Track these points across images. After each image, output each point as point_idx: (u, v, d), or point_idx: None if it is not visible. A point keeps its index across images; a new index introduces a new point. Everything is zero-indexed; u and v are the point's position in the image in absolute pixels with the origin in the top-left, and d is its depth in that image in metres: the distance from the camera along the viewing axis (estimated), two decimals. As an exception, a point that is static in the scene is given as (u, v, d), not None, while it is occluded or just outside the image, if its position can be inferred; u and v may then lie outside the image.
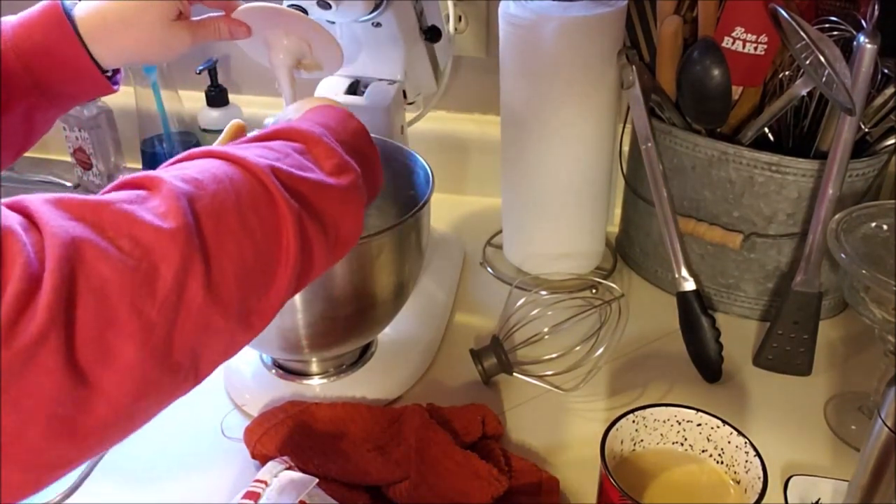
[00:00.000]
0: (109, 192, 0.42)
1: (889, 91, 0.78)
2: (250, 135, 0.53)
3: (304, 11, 0.74)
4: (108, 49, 0.63)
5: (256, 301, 0.45)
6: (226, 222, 0.43)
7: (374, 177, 0.58)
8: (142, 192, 0.41)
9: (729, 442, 0.59)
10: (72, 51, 0.61)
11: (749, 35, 0.78)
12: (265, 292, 0.45)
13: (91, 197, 0.39)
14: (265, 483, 0.56)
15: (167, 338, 0.38)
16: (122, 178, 0.44)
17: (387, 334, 0.81)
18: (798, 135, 0.85)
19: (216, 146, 0.48)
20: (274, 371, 0.79)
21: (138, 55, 0.66)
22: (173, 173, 0.43)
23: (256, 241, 0.44)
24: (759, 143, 0.83)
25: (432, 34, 0.88)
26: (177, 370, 0.40)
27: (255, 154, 0.47)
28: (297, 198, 0.47)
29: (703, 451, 0.61)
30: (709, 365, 0.80)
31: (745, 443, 0.58)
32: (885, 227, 0.70)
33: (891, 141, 0.80)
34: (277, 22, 0.70)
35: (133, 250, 0.38)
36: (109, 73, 0.65)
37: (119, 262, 0.37)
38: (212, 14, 0.69)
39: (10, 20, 0.61)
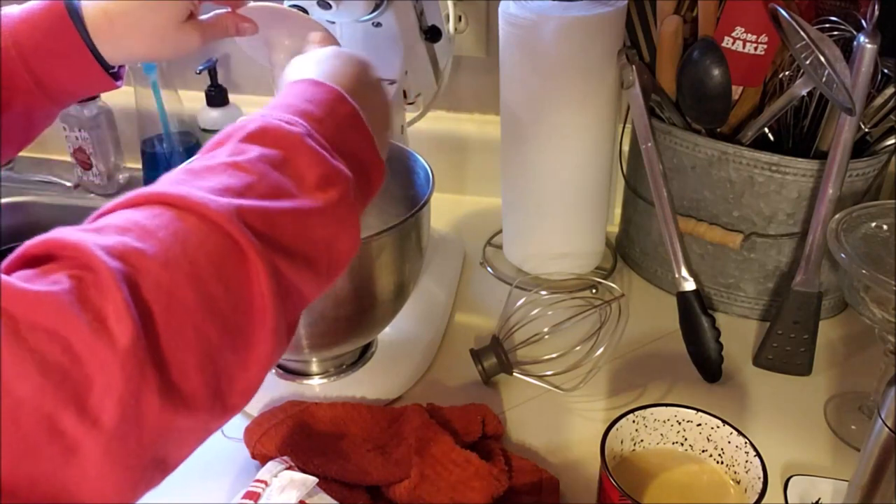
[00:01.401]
0: (14, 263, 0.34)
1: (889, 91, 0.78)
2: (225, 130, 0.46)
3: (305, 11, 0.74)
4: (114, 49, 0.62)
5: (229, 382, 0.38)
6: (180, 304, 0.36)
7: (371, 172, 0.50)
8: (72, 280, 0.33)
9: (729, 442, 0.59)
10: (76, 51, 0.60)
11: (749, 35, 0.78)
12: (242, 368, 0.39)
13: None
14: (265, 483, 0.56)
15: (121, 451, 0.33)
16: (27, 245, 0.35)
17: (387, 334, 0.81)
18: (798, 135, 0.85)
19: (162, 189, 0.40)
20: (274, 371, 0.79)
21: (147, 55, 0.65)
22: (108, 241, 0.35)
23: (221, 314, 0.37)
24: (759, 143, 0.83)
25: (432, 34, 0.88)
26: (138, 481, 0.35)
27: (218, 187, 0.40)
28: (273, 237, 0.40)
29: (703, 451, 0.61)
30: (709, 365, 0.80)
31: (745, 443, 0.58)
32: (885, 227, 0.70)
33: (891, 141, 0.80)
34: (278, 22, 0.70)
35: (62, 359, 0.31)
36: (115, 69, 0.64)
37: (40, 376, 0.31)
38: (219, 11, 0.68)
39: (12, 14, 0.60)
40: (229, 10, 0.68)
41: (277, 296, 0.40)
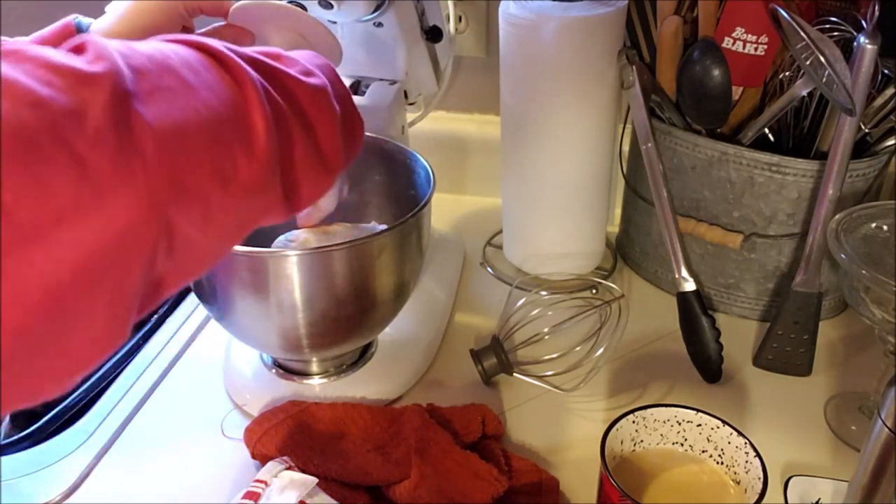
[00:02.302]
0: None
1: (889, 91, 0.78)
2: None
3: (304, 9, 0.74)
4: None
5: (233, 159, 0.39)
6: (170, 75, 0.37)
7: (353, 122, 0.53)
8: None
9: (729, 442, 0.59)
10: None
11: (749, 35, 0.78)
12: (247, 148, 0.40)
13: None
14: (265, 483, 0.57)
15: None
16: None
17: (387, 334, 0.81)
18: (798, 135, 0.85)
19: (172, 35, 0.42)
20: (274, 371, 0.79)
21: None
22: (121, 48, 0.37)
23: (214, 91, 0.38)
24: (760, 144, 0.83)
25: (433, 34, 0.89)
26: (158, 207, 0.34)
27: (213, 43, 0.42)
28: (260, 72, 0.42)
29: (703, 452, 0.61)
30: (709, 365, 0.80)
31: (745, 443, 0.58)
32: (885, 227, 0.70)
33: (891, 141, 0.80)
34: (274, 18, 0.69)
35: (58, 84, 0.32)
36: None
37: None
38: (216, 24, 0.68)
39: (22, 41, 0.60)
40: (224, 22, 0.67)
41: (269, 111, 0.41)
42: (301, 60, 0.48)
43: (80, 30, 0.60)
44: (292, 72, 0.46)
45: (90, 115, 0.32)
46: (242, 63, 0.41)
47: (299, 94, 0.46)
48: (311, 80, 0.47)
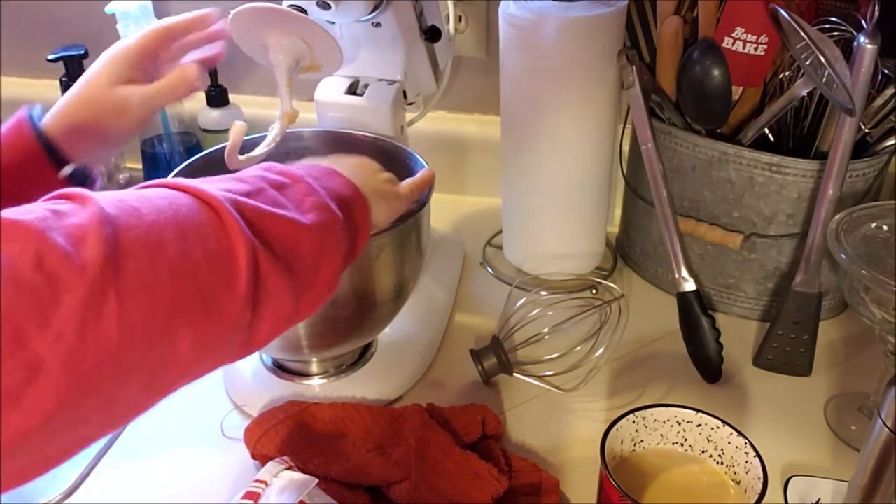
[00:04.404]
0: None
1: (889, 91, 0.78)
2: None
3: (304, 12, 0.74)
4: (76, 153, 0.63)
5: (193, 341, 0.40)
6: (162, 256, 0.39)
7: (358, 230, 0.55)
8: (62, 207, 0.37)
9: (729, 442, 0.59)
10: (43, 171, 0.61)
11: (749, 35, 0.78)
12: (205, 322, 0.41)
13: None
14: (265, 483, 0.56)
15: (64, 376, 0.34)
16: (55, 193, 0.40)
17: (387, 334, 0.80)
18: (798, 135, 0.85)
19: (176, 179, 0.45)
20: (274, 371, 0.79)
21: (99, 139, 0.65)
22: (110, 199, 0.40)
23: (198, 275, 0.40)
24: (760, 144, 0.83)
25: (432, 34, 0.88)
26: (76, 424, 0.36)
27: (218, 187, 0.45)
28: (261, 231, 0.44)
29: (703, 452, 0.61)
30: (709, 365, 0.80)
31: (745, 443, 0.58)
32: (885, 227, 0.70)
33: (891, 141, 0.80)
34: (275, 22, 0.69)
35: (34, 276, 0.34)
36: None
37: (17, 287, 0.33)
38: (189, 60, 0.68)
39: None
40: (197, 60, 0.67)
41: (252, 278, 0.43)
42: (317, 187, 0.50)
43: (33, 122, 0.61)
44: (299, 217, 0.47)
45: (60, 313, 0.34)
46: (242, 229, 0.43)
47: (302, 241, 0.47)
48: (318, 219, 0.48)
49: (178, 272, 0.39)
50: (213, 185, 0.45)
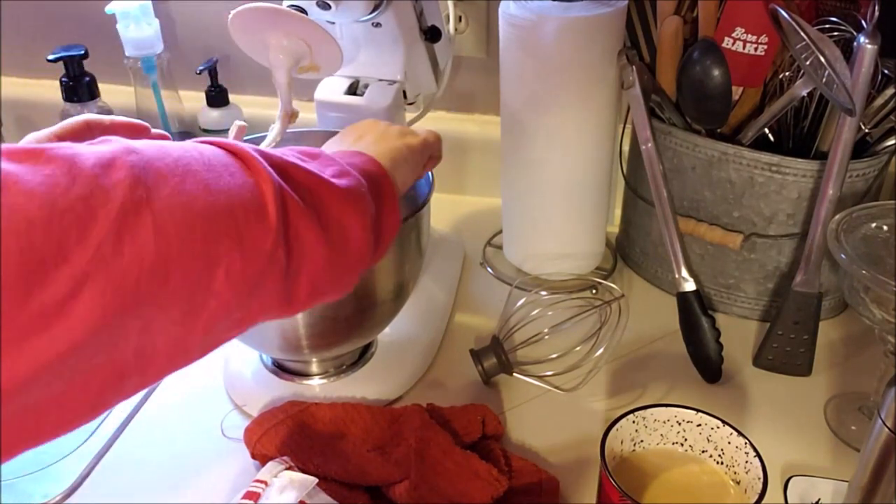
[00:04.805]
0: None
1: (889, 92, 0.78)
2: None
3: (304, 12, 0.74)
4: None
5: (226, 271, 0.40)
6: (192, 180, 0.40)
7: (389, 213, 0.55)
8: (89, 143, 0.39)
9: (729, 442, 0.59)
10: None
11: (749, 35, 0.78)
12: (239, 248, 0.41)
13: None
14: (265, 483, 0.56)
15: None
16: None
17: (387, 334, 0.81)
18: (798, 135, 0.85)
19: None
20: (274, 371, 0.79)
21: None
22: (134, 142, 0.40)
23: (228, 201, 0.41)
24: (760, 144, 0.83)
25: (432, 34, 0.88)
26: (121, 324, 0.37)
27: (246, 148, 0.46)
28: (288, 178, 0.45)
29: (703, 452, 0.61)
30: (709, 365, 0.80)
31: (745, 443, 0.58)
32: (885, 227, 0.70)
33: (891, 141, 0.80)
34: (277, 23, 0.69)
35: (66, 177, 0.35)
36: None
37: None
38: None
39: None
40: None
41: (281, 212, 0.43)
42: (338, 159, 0.52)
43: None
44: (325, 176, 0.49)
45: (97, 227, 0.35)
46: (267, 170, 0.44)
47: (328, 196, 0.48)
48: (342, 182, 0.49)
49: (208, 194, 0.40)
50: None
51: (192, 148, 0.42)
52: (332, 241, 0.48)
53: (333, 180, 0.49)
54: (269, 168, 0.44)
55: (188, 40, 1.11)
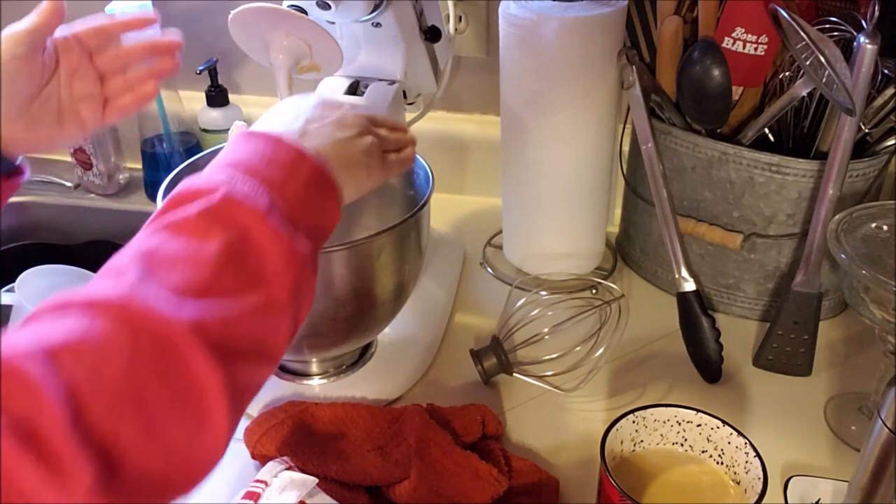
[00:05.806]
0: None
1: (889, 91, 0.78)
2: (188, 185, 0.45)
3: (304, 12, 0.74)
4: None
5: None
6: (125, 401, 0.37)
7: (329, 228, 0.51)
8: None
9: (729, 442, 0.59)
10: None
11: (749, 35, 0.78)
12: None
13: None
14: (265, 483, 0.57)
15: None
16: None
17: (387, 334, 0.81)
18: (798, 135, 0.85)
19: (121, 293, 0.39)
20: (274, 371, 0.79)
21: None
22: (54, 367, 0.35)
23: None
24: (760, 144, 0.83)
25: (432, 34, 0.89)
26: None
27: (181, 285, 0.40)
28: (231, 344, 0.41)
29: (703, 452, 0.61)
30: (709, 365, 0.80)
31: (745, 443, 0.58)
32: (885, 227, 0.70)
33: (891, 141, 0.80)
34: (277, 22, 0.70)
35: None
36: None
37: None
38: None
39: None
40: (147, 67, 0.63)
41: (231, 400, 0.41)
42: (280, 232, 0.45)
43: None
44: (264, 298, 0.44)
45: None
46: (211, 362, 0.40)
47: (269, 321, 0.45)
48: (286, 281, 0.45)
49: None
50: (175, 279, 0.41)
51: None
52: (273, 355, 0.47)
53: (275, 291, 0.45)
54: (215, 358, 0.40)
55: (188, 40, 1.11)
